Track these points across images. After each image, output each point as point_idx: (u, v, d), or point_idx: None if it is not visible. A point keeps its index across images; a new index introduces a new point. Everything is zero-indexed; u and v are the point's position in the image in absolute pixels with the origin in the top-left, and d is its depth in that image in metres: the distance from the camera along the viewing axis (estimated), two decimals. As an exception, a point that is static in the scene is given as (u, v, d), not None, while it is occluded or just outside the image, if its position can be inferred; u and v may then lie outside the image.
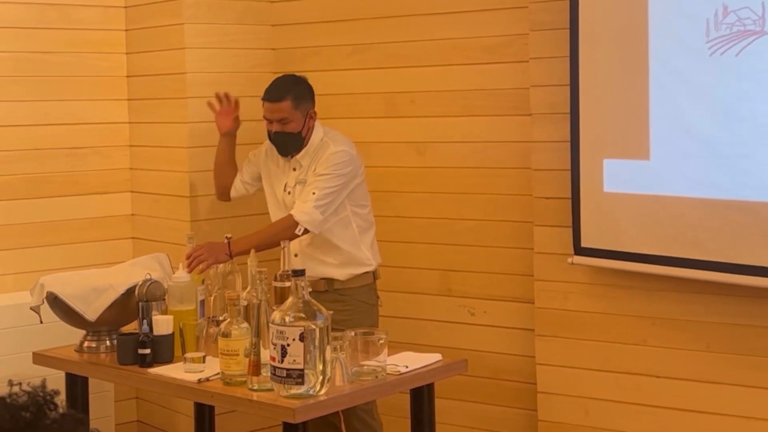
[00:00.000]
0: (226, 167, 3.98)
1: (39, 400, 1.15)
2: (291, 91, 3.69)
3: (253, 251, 3.25)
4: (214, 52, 4.27)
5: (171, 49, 4.26)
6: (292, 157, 3.75)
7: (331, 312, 2.99)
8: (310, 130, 3.72)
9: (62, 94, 4.33)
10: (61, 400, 1.18)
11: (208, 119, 4.27)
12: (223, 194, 4.01)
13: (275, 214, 3.80)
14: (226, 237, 3.57)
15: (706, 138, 3.23)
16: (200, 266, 3.46)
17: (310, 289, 2.88)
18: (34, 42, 4.26)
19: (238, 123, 3.97)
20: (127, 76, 4.50)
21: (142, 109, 4.45)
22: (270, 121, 3.71)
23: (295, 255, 3.70)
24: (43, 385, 1.18)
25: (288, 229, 3.57)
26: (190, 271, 3.42)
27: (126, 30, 4.49)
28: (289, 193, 3.75)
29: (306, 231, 3.59)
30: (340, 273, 3.72)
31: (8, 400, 1.14)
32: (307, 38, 4.35)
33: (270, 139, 3.75)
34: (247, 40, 4.37)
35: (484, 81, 3.90)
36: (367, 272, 3.75)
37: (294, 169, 3.76)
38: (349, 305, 3.69)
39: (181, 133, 4.24)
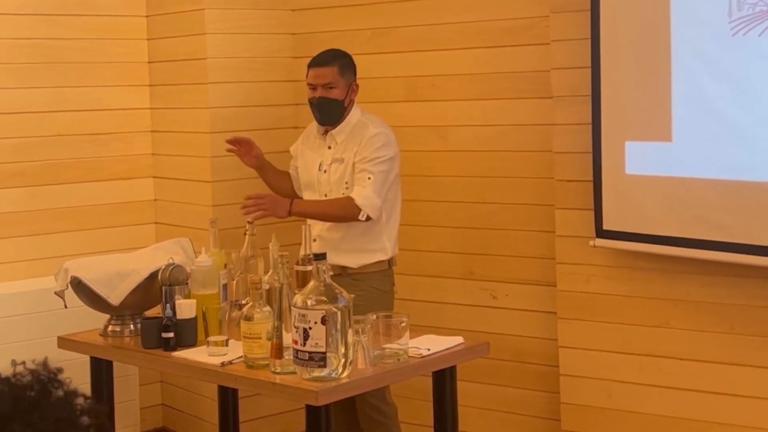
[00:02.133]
0: (277, 182, 3.92)
1: (43, 378, 1.15)
2: (338, 59, 3.71)
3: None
4: (234, 37, 4.28)
5: (191, 35, 4.27)
6: (327, 132, 3.73)
7: (352, 295, 2.99)
8: (352, 102, 3.72)
9: (84, 80, 4.36)
10: (65, 377, 1.18)
11: (228, 104, 4.29)
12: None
13: (307, 195, 3.78)
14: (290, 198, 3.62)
15: (729, 119, 3.21)
16: (257, 213, 3.51)
17: (331, 273, 2.88)
18: (56, 29, 4.28)
19: (260, 157, 3.88)
20: (149, 62, 4.51)
21: (164, 94, 4.47)
22: (314, 87, 3.70)
23: (314, 240, 3.69)
24: (46, 363, 1.17)
25: (352, 214, 3.58)
26: (245, 214, 3.49)
27: (147, 16, 4.50)
28: (324, 171, 3.71)
29: (368, 218, 3.58)
30: (353, 261, 3.70)
31: (12, 380, 1.14)
32: (327, 23, 4.35)
33: (312, 105, 3.71)
34: (267, 26, 4.37)
35: (505, 64, 3.88)
36: (380, 261, 3.72)
37: (329, 147, 3.74)
38: (362, 290, 3.65)
39: (203, 119, 4.25)
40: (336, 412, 3.73)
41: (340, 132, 3.71)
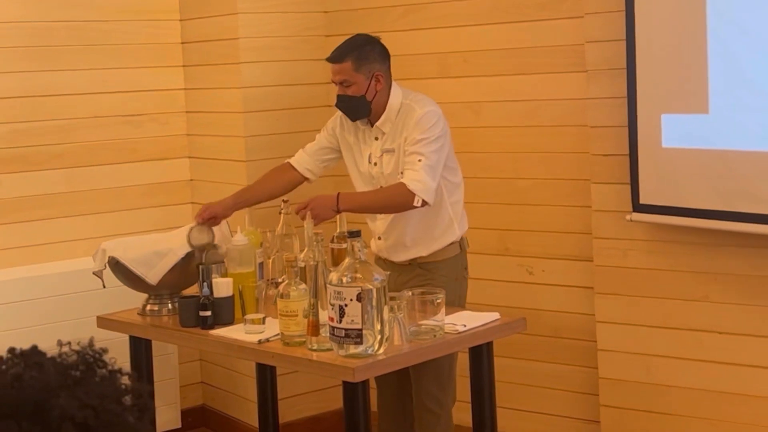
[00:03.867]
0: (265, 195, 3.68)
1: (88, 358, 1.18)
2: (353, 52, 3.45)
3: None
4: (266, 16, 4.28)
5: (224, 15, 4.28)
6: (372, 124, 3.51)
7: (388, 273, 2.99)
8: (378, 93, 3.46)
9: (119, 62, 4.38)
10: (110, 357, 1.21)
11: (262, 84, 4.29)
12: (298, 185, 3.72)
13: (361, 188, 3.57)
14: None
15: (767, 89, 3.16)
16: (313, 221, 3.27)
17: (366, 249, 2.88)
18: (90, 11, 4.31)
19: (228, 209, 3.60)
20: (182, 43, 4.53)
21: (197, 75, 4.48)
22: (335, 84, 3.52)
23: (379, 238, 3.58)
24: (91, 344, 1.20)
25: (406, 202, 3.31)
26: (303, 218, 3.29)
27: (179, -4, 4.52)
28: (375, 164, 3.50)
29: (424, 203, 3.31)
30: (423, 250, 3.52)
31: (58, 360, 1.17)
32: (359, 0, 4.33)
33: (336, 103, 3.54)
34: (299, 3, 4.37)
35: (538, 38, 3.85)
36: (452, 243, 3.53)
37: (376, 138, 3.50)
38: (430, 279, 3.50)
39: (236, 98, 4.26)
40: (387, 411, 3.71)
41: (385, 122, 3.47)
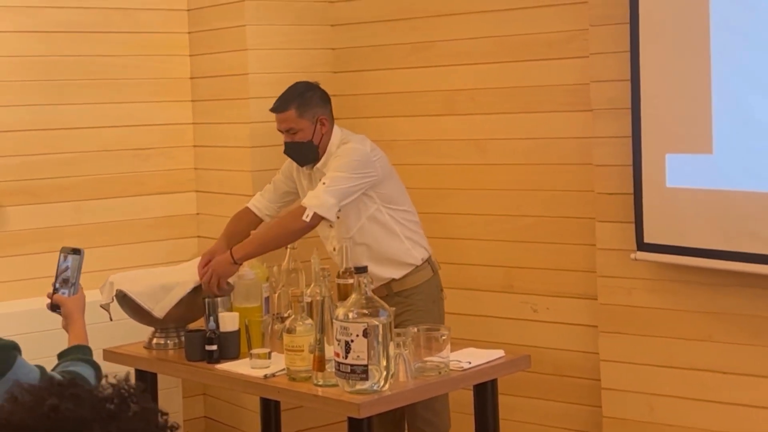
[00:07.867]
0: (239, 236, 3.77)
1: (123, 392, 1.19)
2: (295, 100, 3.60)
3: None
4: (275, 53, 4.32)
5: (233, 51, 4.32)
6: (314, 167, 3.66)
7: (394, 308, 3.01)
8: (324, 136, 3.62)
9: (128, 96, 4.42)
10: (144, 394, 1.22)
11: (269, 119, 4.32)
12: (255, 226, 3.84)
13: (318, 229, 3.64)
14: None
15: (771, 131, 3.19)
16: (217, 286, 3.43)
17: (372, 284, 2.89)
18: (100, 45, 4.35)
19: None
20: (191, 78, 4.57)
21: (206, 110, 4.52)
22: (281, 132, 3.66)
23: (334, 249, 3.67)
24: (127, 379, 1.22)
25: (294, 220, 3.42)
26: (213, 292, 3.43)
27: (189, 33, 4.56)
28: None
29: (316, 217, 3.40)
30: (395, 273, 3.64)
31: (95, 392, 1.19)
32: (367, 37, 4.38)
33: (284, 150, 3.68)
34: (307, 41, 4.41)
35: (544, 77, 3.89)
36: (417, 266, 3.65)
37: (321, 180, 3.63)
38: (409, 306, 3.61)
39: (244, 133, 4.30)
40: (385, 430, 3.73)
41: (324, 164, 3.63)
